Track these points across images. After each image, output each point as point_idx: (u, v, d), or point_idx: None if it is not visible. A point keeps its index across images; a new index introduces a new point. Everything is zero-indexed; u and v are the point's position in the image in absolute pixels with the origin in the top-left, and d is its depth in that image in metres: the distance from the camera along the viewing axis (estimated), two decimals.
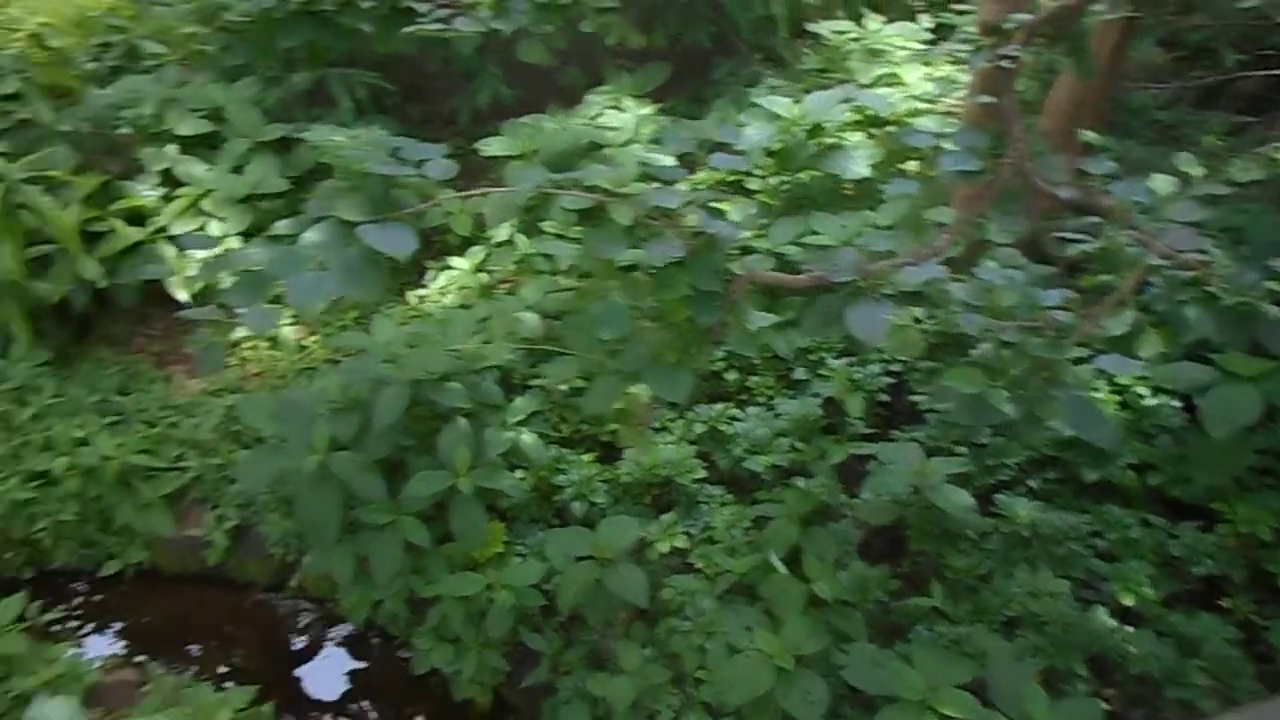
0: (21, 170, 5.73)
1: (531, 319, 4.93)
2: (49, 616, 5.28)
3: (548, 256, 5.95)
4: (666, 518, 4.72)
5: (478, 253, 6.44)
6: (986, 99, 3.99)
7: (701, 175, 5.89)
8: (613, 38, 5.62)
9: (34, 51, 6.86)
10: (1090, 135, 5.15)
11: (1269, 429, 4.20)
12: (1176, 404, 4.50)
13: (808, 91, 6.39)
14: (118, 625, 5.65)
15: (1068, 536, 4.30)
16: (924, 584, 4.42)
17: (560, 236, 5.84)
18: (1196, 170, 3.38)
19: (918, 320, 3.27)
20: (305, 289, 2.91)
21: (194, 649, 5.52)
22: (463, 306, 6.12)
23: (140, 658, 5.37)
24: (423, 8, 4.85)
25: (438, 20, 4.52)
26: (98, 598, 5.80)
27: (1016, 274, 3.03)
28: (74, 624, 5.63)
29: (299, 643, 5.55)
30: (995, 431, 4.74)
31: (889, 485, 4.47)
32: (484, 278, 6.43)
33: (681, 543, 4.63)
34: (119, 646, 5.50)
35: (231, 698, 4.37)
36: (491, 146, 5.70)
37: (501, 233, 6.24)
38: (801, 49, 7.08)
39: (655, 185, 3.68)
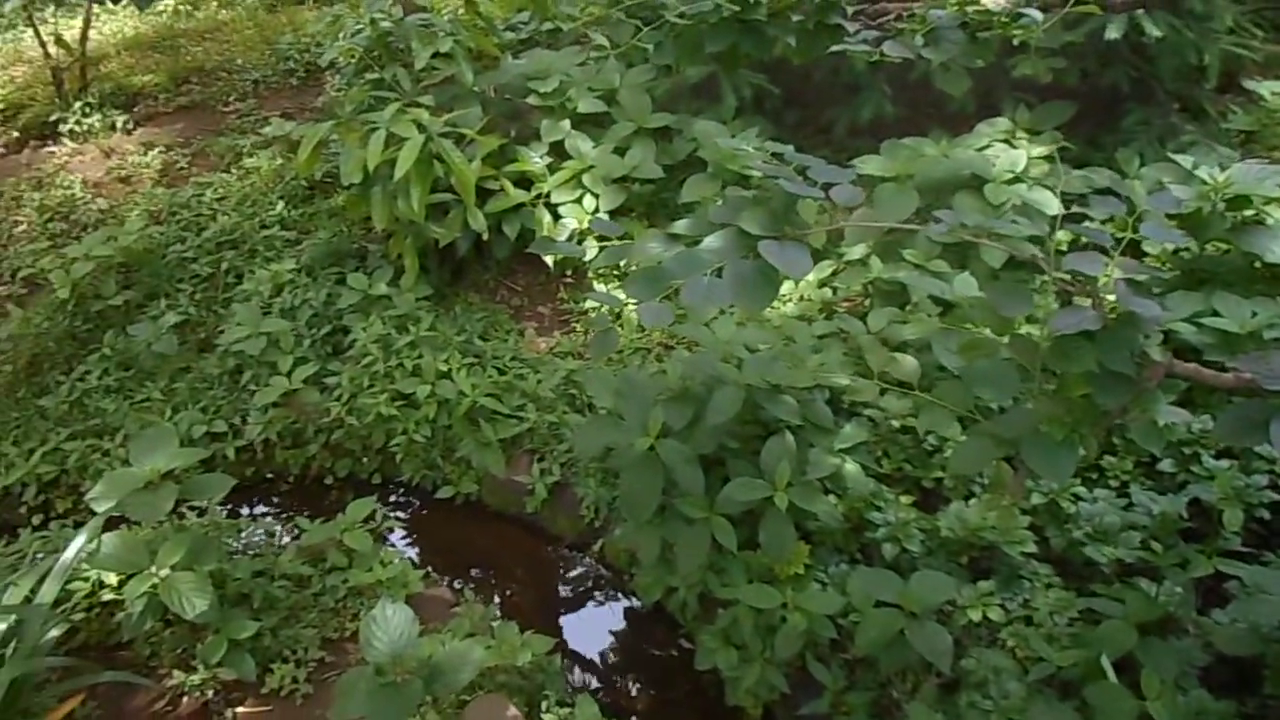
0: (441, 125, 6.37)
1: (910, 361, 4.80)
2: (387, 524, 5.93)
3: (901, 285, 5.77)
4: (983, 585, 4.44)
5: (826, 267, 6.38)
6: None
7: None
8: (1021, 70, 5.31)
9: (465, 17, 7.61)
10: None
11: None
12: None
13: (1231, 152, 5.74)
14: (436, 545, 6.21)
15: None
16: None
17: (919, 266, 5.64)
18: None
19: None
20: (699, 293, 2.98)
21: (494, 583, 5.97)
22: (802, 319, 6.09)
23: (449, 578, 5.87)
24: (851, 26, 4.83)
25: (865, 42, 4.47)
26: (425, 513, 6.41)
27: None
28: (401, 533, 6.26)
29: (588, 604, 5.83)
30: None
31: (1254, 614, 3.95)
32: (828, 293, 6.37)
33: (995, 615, 4.34)
34: (433, 563, 6.03)
35: (532, 642, 4.65)
36: (868, 165, 5.60)
37: (856, 251, 6.14)
38: (1229, 106, 6.33)
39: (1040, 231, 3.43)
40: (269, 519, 6.27)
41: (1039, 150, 5.79)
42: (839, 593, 4.61)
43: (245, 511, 6.42)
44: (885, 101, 6.56)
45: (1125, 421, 2.95)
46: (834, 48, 4.88)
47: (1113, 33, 5.31)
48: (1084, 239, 3.21)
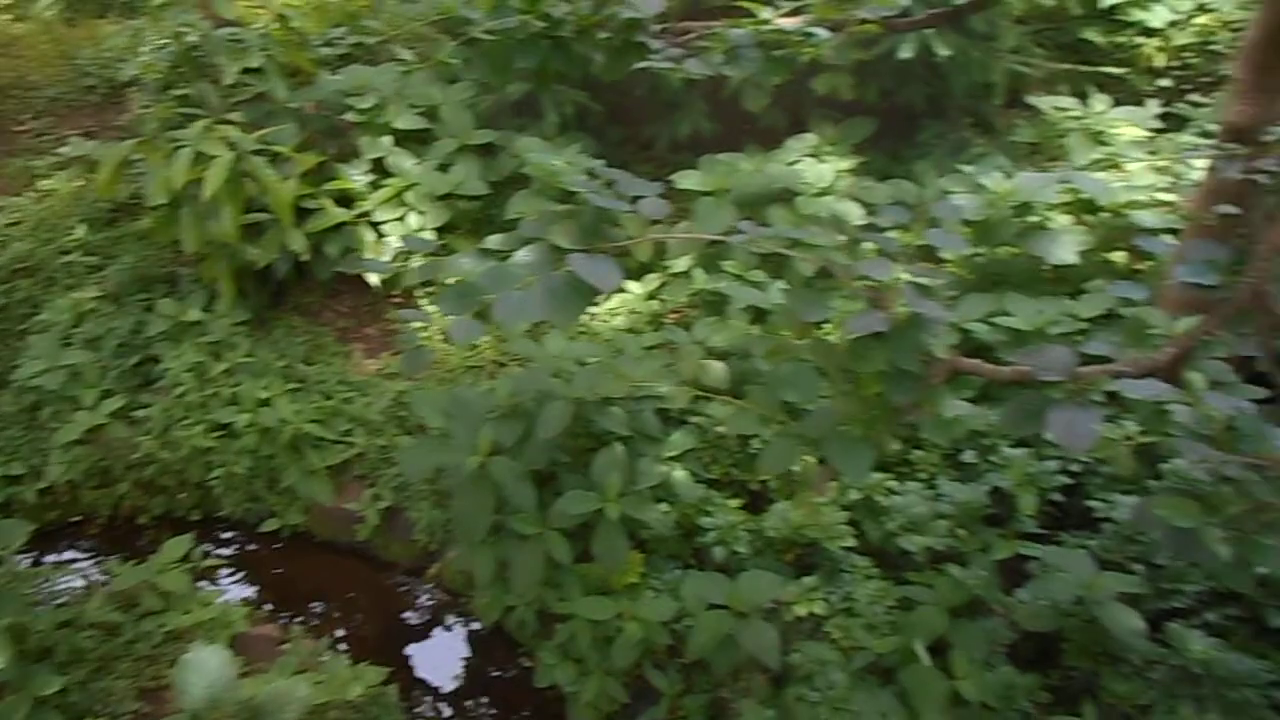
0: (253, 142, 6.13)
1: (717, 366, 4.92)
2: (208, 562, 5.64)
3: (723, 295, 5.94)
4: (807, 580, 4.61)
5: (653, 280, 6.49)
6: (1228, 209, 3.74)
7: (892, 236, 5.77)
8: (824, 87, 5.58)
9: (277, 31, 7.34)
10: None
11: None
12: None
13: (1016, 164, 6.20)
14: (264, 580, 5.95)
15: (1244, 681, 3.96)
16: (1075, 701, 4.17)
17: (739, 277, 5.83)
18: None
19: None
20: (511, 307, 2.98)
21: (328, 615, 5.76)
22: (631, 331, 6.17)
23: (280, 615, 5.64)
24: (655, 44, 4.95)
25: (669, 59, 4.58)
26: (251, 548, 6.13)
27: (1246, 405, 2.82)
28: (226, 571, 5.97)
29: (427, 630, 5.71)
30: (1175, 555, 4.43)
31: (1052, 592, 4.25)
32: (655, 305, 6.48)
33: (820, 609, 4.51)
34: (262, 600, 5.78)
35: (364, 674, 4.52)
36: (687, 180, 5.75)
37: (680, 263, 6.28)
38: (1015, 120, 6.85)
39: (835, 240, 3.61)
40: (76, 565, 5.85)
41: (845, 164, 6.09)
42: (672, 598, 4.69)
43: (50, 558, 5.96)
44: (702, 118, 6.76)
45: (915, 417, 3.13)
46: (639, 64, 5.00)
47: (905, 52, 5.66)
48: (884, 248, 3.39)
